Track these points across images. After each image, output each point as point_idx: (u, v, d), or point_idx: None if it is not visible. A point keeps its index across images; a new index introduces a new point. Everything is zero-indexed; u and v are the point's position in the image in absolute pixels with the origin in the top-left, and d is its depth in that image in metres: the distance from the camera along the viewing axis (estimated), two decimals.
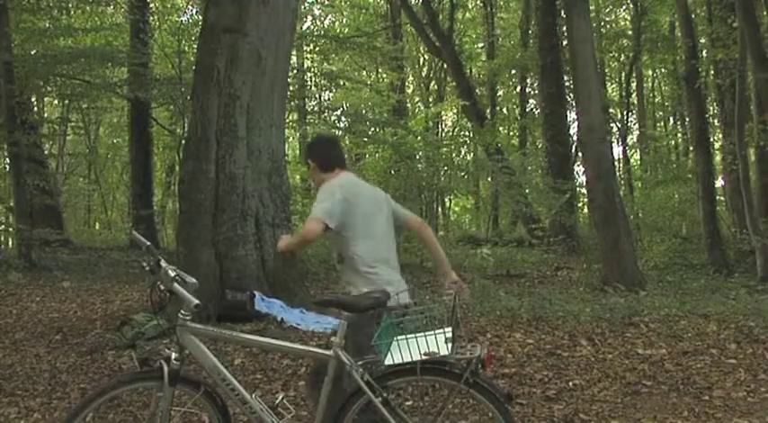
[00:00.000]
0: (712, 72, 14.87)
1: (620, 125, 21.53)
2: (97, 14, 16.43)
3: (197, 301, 2.54)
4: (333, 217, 2.97)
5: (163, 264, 2.64)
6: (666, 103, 25.59)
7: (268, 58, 6.68)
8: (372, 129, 15.88)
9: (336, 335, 2.61)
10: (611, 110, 20.67)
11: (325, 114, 19.05)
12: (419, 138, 12.59)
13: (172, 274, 2.59)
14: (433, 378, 2.61)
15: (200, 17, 10.54)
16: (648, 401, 4.06)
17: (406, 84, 25.39)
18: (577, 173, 17.60)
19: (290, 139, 23.07)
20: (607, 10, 21.81)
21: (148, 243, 2.71)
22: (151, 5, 15.86)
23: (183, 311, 2.59)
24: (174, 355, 2.57)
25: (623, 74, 21.86)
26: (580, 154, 12.30)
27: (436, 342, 2.55)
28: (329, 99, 23.98)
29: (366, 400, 2.54)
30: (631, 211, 13.30)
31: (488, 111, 20.64)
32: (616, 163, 16.85)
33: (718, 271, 11.38)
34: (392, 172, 11.27)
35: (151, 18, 15.34)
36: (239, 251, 6.31)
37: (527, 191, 14.82)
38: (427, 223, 3.68)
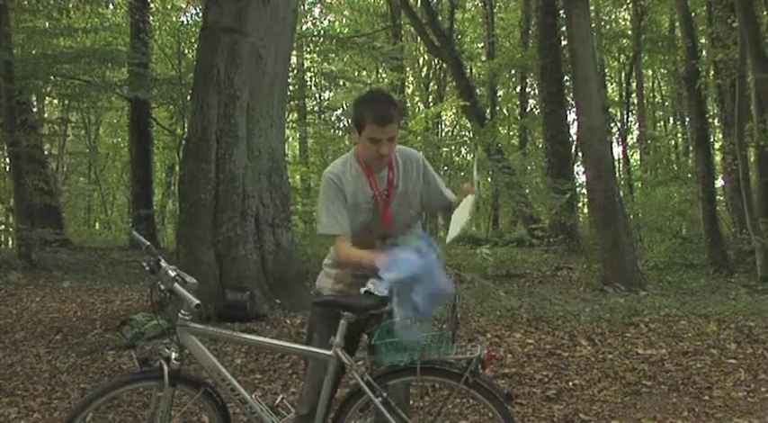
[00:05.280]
0: (712, 72, 14.87)
1: (620, 125, 21.55)
2: (97, 15, 16.43)
3: (197, 301, 2.54)
4: None
5: (163, 264, 2.64)
6: (666, 103, 25.60)
7: (268, 59, 6.68)
8: None
9: (336, 335, 2.61)
10: (611, 110, 20.67)
11: (325, 114, 19.06)
12: (419, 138, 12.55)
13: (172, 274, 2.59)
14: (433, 378, 2.61)
15: (201, 17, 10.55)
16: (648, 401, 4.05)
17: (406, 84, 25.40)
18: (577, 173, 17.61)
19: (290, 139, 23.11)
20: (607, 10, 21.82)
21: (148, 243, 2.70)
22: (151, 5, 15.86)
23: (183, 311, 2.59)
24: (174, 355, 2.57)
25: (623, 74, 21.88)
26: (580, 154, 12.31)
27: None
28: (329, 99, 24.01)
29: (366, 400, 2.54)
30: (631, 211, 13.29)
31: (488, 111, 20.63)
32: (616, 163, 16.87)
33: (718, 271, 11.38)
34: None
35: (151, 18, 15.34)
36: (239, 251, 6.31)
37: (527, 191, 14.80)
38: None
